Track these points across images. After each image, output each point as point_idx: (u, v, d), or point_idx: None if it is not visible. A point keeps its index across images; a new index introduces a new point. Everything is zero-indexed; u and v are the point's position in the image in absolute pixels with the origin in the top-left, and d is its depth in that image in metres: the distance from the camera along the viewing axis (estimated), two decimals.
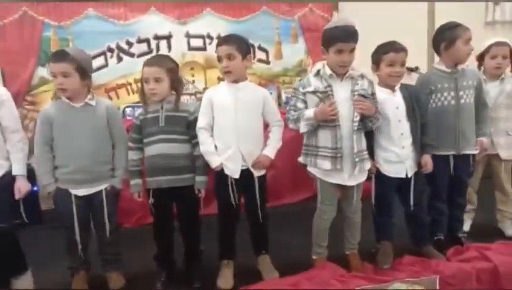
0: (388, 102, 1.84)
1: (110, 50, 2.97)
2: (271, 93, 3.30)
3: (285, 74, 3.44)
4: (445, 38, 1.93)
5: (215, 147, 1.77)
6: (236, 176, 1.77)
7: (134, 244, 2.11)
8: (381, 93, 1.84)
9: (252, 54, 1.86)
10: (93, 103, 1.77)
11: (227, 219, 1.83)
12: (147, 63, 1.79)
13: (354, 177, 1.76)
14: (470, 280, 1.76)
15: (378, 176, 1.88)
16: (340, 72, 1.72)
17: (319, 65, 1.78)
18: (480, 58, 2.14)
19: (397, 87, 1.87)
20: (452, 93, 1.92)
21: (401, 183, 1.88)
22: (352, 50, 1.69)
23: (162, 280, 1.83)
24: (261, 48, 3.32)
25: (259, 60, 3.32)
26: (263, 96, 1.83)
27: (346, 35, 1.67)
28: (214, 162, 1.76)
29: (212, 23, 3.16)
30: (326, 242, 1.88)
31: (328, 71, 1.72)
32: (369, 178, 1.87)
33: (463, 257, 1.86)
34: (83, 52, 1.80)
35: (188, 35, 3.13)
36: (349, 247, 1.90)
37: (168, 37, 3.06)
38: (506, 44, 2.09)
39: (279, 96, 3.34)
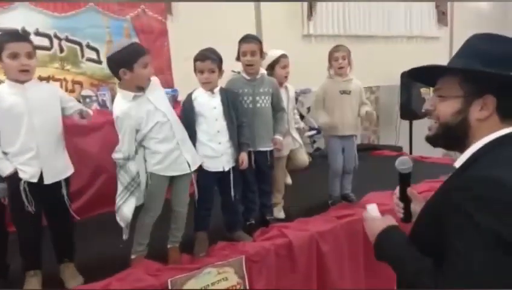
0: (207, 103, 2.04)
1: None
2: (104, 94, 3.24)
3: None
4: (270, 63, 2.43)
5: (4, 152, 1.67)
6: (35, 179, 1.68)
7: None
8: (202, 94, 2.05)
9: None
10: None
11: (26, 227, 1.72)
12: None
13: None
14: (270, 255, 2.08)
15: (200, 171, 2.05)
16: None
17: None
18: (271, 67, 2.47)
19: (216, 90, 2.07)
20: (250, 98, 2.23)
21: (220, 177, 2.10)
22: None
23: None
24: (90, 47, 3.16)
25: (89, 59, 3.16)
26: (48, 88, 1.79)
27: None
28: (5, 168, 1.65)
29: (27, 17, 2.86)
30: (148, 240, 1.95)
31: None
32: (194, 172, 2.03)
33: (266, 237, 2.18)
34: None
35: None
36: (173, 240, 2.01)
37: None
38: (287, 55, 2.51)
39: (113, 98, 3.24)
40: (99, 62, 3.23)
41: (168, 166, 1.87)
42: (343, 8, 4.55)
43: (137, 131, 1.82)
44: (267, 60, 2.42)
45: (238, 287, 1.97)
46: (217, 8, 3.62)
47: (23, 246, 1.74)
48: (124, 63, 1.74)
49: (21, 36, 1.87)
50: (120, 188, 1.82)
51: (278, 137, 2.31)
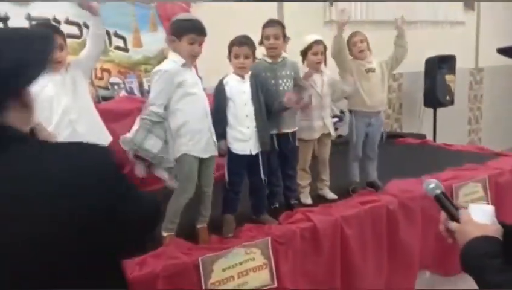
0: (237, 88, 2.10)
1: None
2: (131, 82, 3.33)
3: (146, 62, 3.42)
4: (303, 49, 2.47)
5: None
6: None
7: None
8: (233, 80, 2.11)
9: None
10: None
11: None
12: None
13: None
14: (296, 237, 2.14)
15: (229, 154, 2.12)
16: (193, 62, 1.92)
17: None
18: (304, 53, 2.53)
19: (247, 76, 2.12)
20: (272, 81, 2.27)
21: (249, 160, 2.15)
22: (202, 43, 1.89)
23: None
24: (117, 35, 3.24)
25: (117, 48, 3.25)
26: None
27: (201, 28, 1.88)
28: None
29: (59, 6, 2.95)
30: (178, 219, 2.03)
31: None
32: (221, 156, 2.11)
33: (291, 220, 2.23)
34: None
35: (30, 18, 2.86)
36: (202, 220, 2.08)
37: (3, 19, 2.75)
38: (322, 42, 2.52)
39: (140, 85, 3.33)
40: (126, 50, 3.32)
41: (202, 147, 1.94)
42: None
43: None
44: (302, 46, 2.47)
45: (264, 267, 2.04)
46: None
47: None
48: (175, 31, 1.88)
49: (53, 29, 1.96)
50: (159, 142, 1.86)
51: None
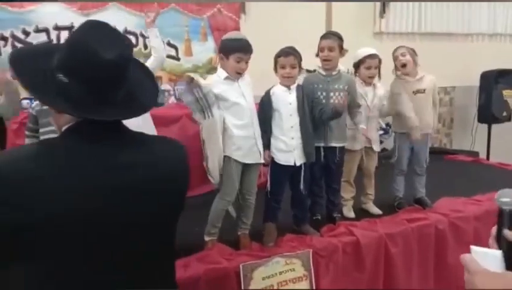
0: (283, 98, 2.12)
1: (3, 39, 2.81)
2: (181, 89, 3.46)
3: (195, 70, 3.55)
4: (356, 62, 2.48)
5: None
6: None
7: None
8: (279, 90, 2.14)
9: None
10: None
11: None
12: None
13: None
14: (337, 252, 2.10)
15: (272, 164, 2.14)
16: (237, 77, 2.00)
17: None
18: (356, 66, 2.50)
19: (293, 86, 2.14)
20: (324, 94, 2.25)
21: (292, 171, 2.16)
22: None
23: None
24: (170, 44, 3.40)
25: (169, 56, 3.40)
26: None
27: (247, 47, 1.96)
28: None
29: (118, 17, 3.16)
30: (220, 224, 2.08)
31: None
32: (265, 165, 2.14)
33: (333, 233, 2.19)
34: None
35: None
36: (243, 227, 2.12)
37: (70, 28, 2.98)
38: (377, 56, 2.48)
39: None
40: (177, 59, 3.47)
41: (245, 153, 1.99)
42: (418, 5, 4.35)
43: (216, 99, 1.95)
44: (355, 58, 2.46)
45: (304, 279, 2.02)
46: (288, 6, 3.68)
47: None
48: (224, 49, 1.97)
49: None
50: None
51: (362, 127, 2.33)
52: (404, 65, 2.55)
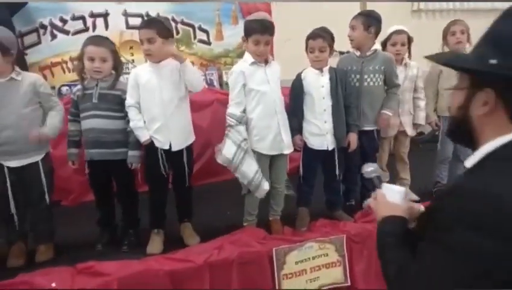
0: (315, 81, 2.06)
1: (43, 27, 2.91)
2: (212, 74, 3.47)
3: (226, 55, 3.54)
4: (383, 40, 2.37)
5: (144, 122, 1.90)
6: (166, 147, 1.91)
7: (69, 221, 2.20)
8: (311, 73, 2.07)
9: (173, 37, 2.00)
10: (19, 78, 1.84)
11: (157, 190, 1.97)
12: (92, 42, 1.91)
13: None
14: (371, 237, 2.06)
15: (304, 149, 2.11)
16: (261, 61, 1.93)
17: None
18: (384, 45, 2.39)
19: (325, 69, 2.07)
20: (358, 76, 2.17)
21: (325, 155, 2.12)
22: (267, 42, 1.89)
23: (103, 241, 1.99)
24: (201, 29, 3.39)
25: (200, 41, 3.40)
26: (177, 67, 1.90)
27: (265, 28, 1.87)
28: (143, 136, 1.90)
29: (151, 3, 3.18)
30: (257, 211, 2.09)
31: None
32: (296, 151, 2.10)
33: (367, 219, 2.15)
34: (4, 30, 1.83)
35: (126, 14, 3.12)
36: (273, 213, 2.13)
37: (104, 15, 3.04)
38: (404, 32, 2.35)
39: (220, 77, 3.45)
40: (208, 43, 3.46)
41: (268, 145, 1.96)
42: None
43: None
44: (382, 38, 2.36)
45: (337, 264, 2.00)
46: None
47: (153, 205, 2.00)
48: (245, 31, 1.93)
49: (143, 24, 2.00)
50: (233, 146, 1.90)
51: (385, 112, 2.22)
52: (459, 42, 2.37)
